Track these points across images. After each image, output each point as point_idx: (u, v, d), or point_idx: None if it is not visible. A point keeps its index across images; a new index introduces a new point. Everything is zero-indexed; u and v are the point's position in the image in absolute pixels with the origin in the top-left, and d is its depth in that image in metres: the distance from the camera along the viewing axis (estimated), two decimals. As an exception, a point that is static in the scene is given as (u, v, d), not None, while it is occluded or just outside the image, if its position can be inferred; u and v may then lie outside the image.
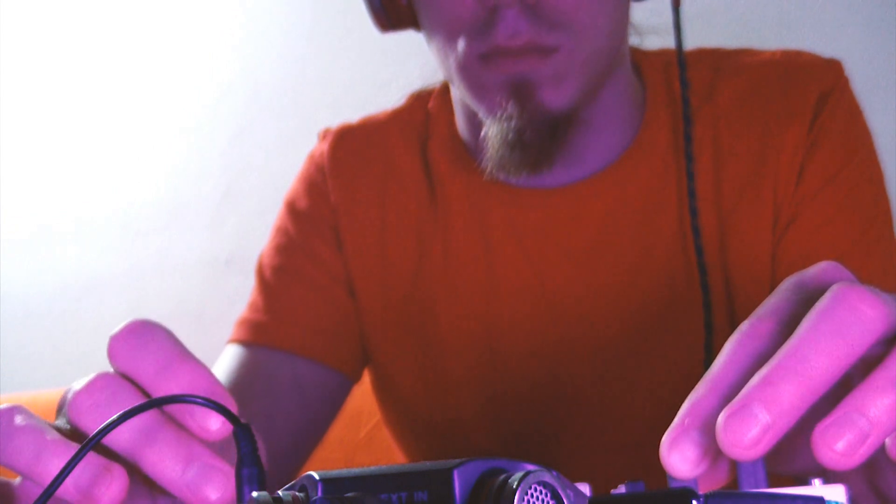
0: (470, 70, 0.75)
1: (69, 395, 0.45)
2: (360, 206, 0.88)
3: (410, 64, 1.55)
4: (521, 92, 0.73)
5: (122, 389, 0.45)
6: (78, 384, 0.45)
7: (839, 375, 0.36)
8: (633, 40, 0.86)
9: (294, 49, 1.74)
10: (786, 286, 0.41)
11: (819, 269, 0.41)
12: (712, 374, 0.38)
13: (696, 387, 0.38)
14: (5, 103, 1.86)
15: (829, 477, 0.36)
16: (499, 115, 0.75)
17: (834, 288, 0.37)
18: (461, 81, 0.77)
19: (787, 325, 0.38)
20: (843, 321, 0.36)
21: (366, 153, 0.90)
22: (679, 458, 0.36)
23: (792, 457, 0.39)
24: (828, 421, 0.35)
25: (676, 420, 0.37)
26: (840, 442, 0.35)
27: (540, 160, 0.76)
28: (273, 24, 1.76)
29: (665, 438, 0.37)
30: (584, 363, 0.82)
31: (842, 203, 0.79)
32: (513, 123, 0.74)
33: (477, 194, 0.85)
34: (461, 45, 0.74)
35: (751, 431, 0.35)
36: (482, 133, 0.78)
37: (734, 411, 0.35)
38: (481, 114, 0.77)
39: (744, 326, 0.39)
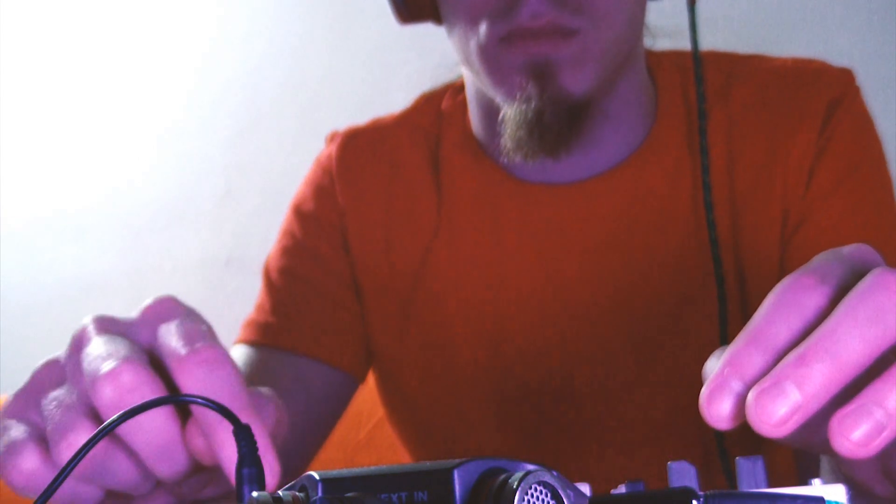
0: (490, 53, 0.75)
1: (90, 367, 0.45)
2: (367, 208, 0.89)
3: (410, 64, 1.55)
4: (541, 74, 0.74)
5: (151, 392, 0.44)
6: (103, 364, 0.45)
7: (872, 360, 0.37)
8: (646, 42, 0.86)
9: (294, 49, 1.74)
10: (824, 254, 0.41)
11: (854, 247, 0.42)
12: (753, 325, 0.39)
13: (737, 338, 0.39)
14: (5, 102, 1.86)
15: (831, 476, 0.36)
16: (518, 96, 0.75)
17: (875, 272, 0.38)
18: (481, 65, 0.77)
19: (829, 283, 0.39)
20: (882, 307, 0.37)
21: (373, 156, 0.91)
22: (718, 408, 0.37)
23: (811, 431, 0.39)
24: (846, 410, 0.35)
25: (716, 370, 0.38)
26: (856, 432, 0.35)
27: (557, 144, 0.76)
28: (273, 24, 1.76)
29: (704, 390, 0.38)
30: (595, 361, 0.82)
31: (851, 207, 0.80)
32: (532, 105, 0.74)
33: (489, 191, 0.85)
34: (483, 28, 0.75)
35: (781, 410, 0.35)
36: (499, 117, 0.78)
37: (766, 388, 0.36)
38: (500, 99, 0.77)
39: (786, 281, 0.39)
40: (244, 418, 0.43)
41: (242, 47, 1.77)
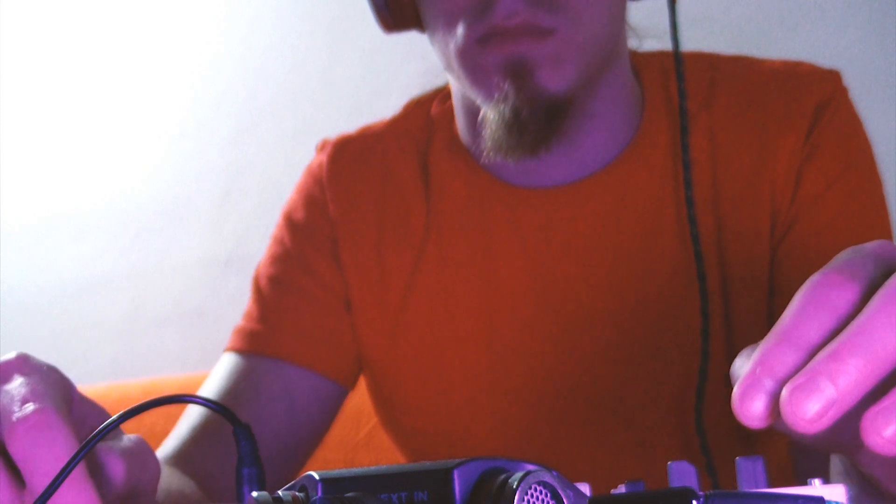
0: (468, 54, 0.76)
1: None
2: (358, 217, 0.89)
3: (410, 65, 1.56)
4: (518, 73, 0.74)
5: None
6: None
7: None
8: (632, 43, 0.86)
9: (294, 49, 1.74)
10: (847, 251, 0.41)
11: (877, 243, 0.42)
12: (784, 323, 0.38)
13: (767, 336, 0.38)
14: (6, 102, 1.86)
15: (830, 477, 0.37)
16: (496, 97, 0.75)
17: None
18: (460, 67, 0.77)
19: (858, 280, 0.39)
20: None
21: (364, 164, 0.91)
22: (751, 407, 0.37)
23: (838, 429, 0.39)
24: (878, 407, 0.35)
25: (748, 370, 0.38)
26: (889, 428, 0.35)
27: (537, 143, 0.76)
28: (273, 25, 1.76)
29: (736, 389, 0.38)
30: (584, 363, 0.82)
31: (841, 208, 0.80)
32: (510, 104, 0.74)
33: (478, 195, 0.85)
34: (460, 30, 0.75)
35: (815, 406, 0.35)
36: (479, 117, 0.78)
37: (801, 384, 0.36)
38: (479, 100, 0.77)
39: (814, 278, 0.39)
40: (70, 486, 0.43)
41: (242, 48, 1.77)
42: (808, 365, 0.36)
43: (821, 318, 0.38)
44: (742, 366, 0.40)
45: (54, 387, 0.47)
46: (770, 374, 0.37)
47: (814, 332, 0.38)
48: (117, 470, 0.47)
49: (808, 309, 0.38)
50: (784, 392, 0.36)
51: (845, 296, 0.38)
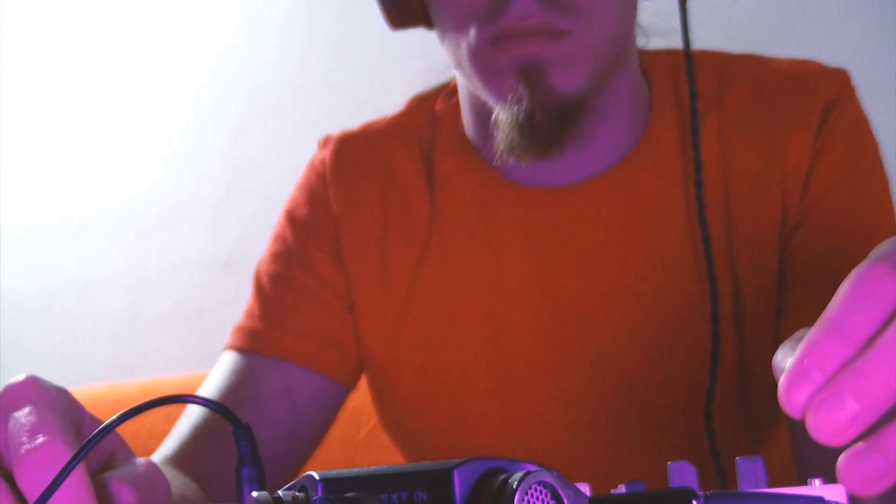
0: (481, 55, 0.75)
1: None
2: (361, 215, 0.88)
3: (410, 64, 1.56)
4: (531, 75, 0.74)
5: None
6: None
7: None
8: (639, 41, 0.86)
9: (294, 49, 1.74)
10: (891, 241, 0.41)
11: None
12: (831, 314, 0.38)
13: (815, 327, 0.38)
14: (6, 102, 1.86)
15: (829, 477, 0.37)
16: (509, 98, 0.75)
17: None
18: (472, 68, 0.77)
19: None
20: None
21: (367, 161, 0.90)
22: (797, 398, 0.37)
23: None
24: (854, 451, 0.36)
25: (795, 359, 0.38)
26: (860, 474, 0.35)
27: (549, 144, 0.76)
28: (273, 25, 1.76)
29: (783, 380, 0.38)
30: (590, 364, 0.82)
31: (849, 207, 0.80)
32: (523, 106, 0.74)
33: (483, 193, 0.85)
34: (473, 31, 0.75)
35: (839, 420, 0.36)
36: (492, 119, 0.78)
37: (825, 398, 0.36)
38: (491, 101, 0.77)
39: (860, 269, 0.39)
40: (66, 490, 0.42)
41: (243, 47, 1.77)
42: (834, 380, 0.37)
43: (868, 310, 0.38)
44: (784, 358, 0.40)
45: (64, 414, 0.47)
46: (818, 365, 0.37)
47: (861, 324, 0.38)
48: (128, 500, 0.46)
49: (855, 300, 0.38)
50: (809, 406, 0.36)
51: (891, 288, 0.38)
